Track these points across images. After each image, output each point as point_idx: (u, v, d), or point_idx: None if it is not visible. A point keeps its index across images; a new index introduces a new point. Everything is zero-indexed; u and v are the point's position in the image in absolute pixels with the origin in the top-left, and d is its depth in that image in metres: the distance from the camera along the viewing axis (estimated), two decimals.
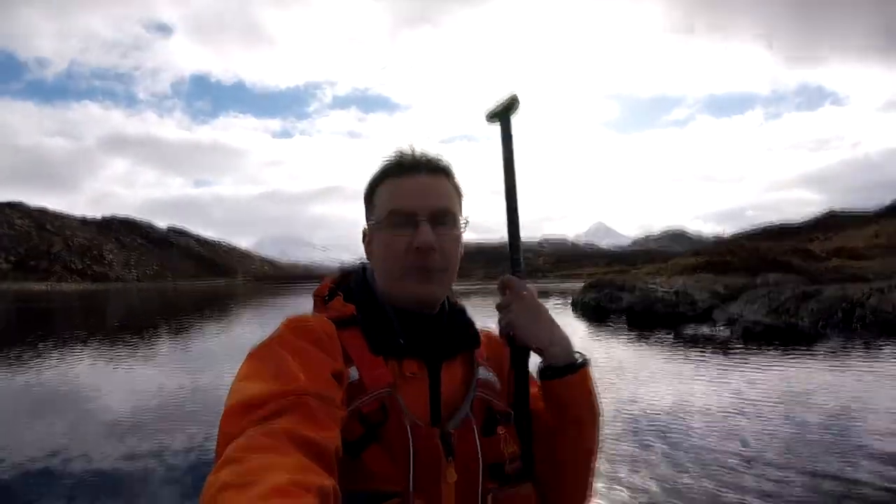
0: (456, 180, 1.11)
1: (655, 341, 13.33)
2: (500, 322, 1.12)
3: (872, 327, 12.32)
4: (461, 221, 1.09)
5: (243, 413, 0.76)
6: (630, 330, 16.06)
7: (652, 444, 5.46)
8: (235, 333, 18.45)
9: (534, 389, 1.13)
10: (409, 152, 1.08)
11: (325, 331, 0.96)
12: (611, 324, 17.93)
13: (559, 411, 1.07)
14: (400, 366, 1.00)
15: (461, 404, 1.02)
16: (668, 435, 5.76)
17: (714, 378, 8.80)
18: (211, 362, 11.24)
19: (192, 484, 4.68)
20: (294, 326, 0.95)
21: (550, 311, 1.10)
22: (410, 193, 1.04)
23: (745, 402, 7.17)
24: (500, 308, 1.12)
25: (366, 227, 1.13)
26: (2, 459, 5.22)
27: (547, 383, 1.07)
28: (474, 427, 0.99)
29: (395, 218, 1.04)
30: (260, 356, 0.89)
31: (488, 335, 1.18)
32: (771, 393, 7.65)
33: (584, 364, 1.07)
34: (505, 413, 1.05)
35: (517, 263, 1.16)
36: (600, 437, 1.11)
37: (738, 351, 11.24)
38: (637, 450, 5.25)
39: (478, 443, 0.98)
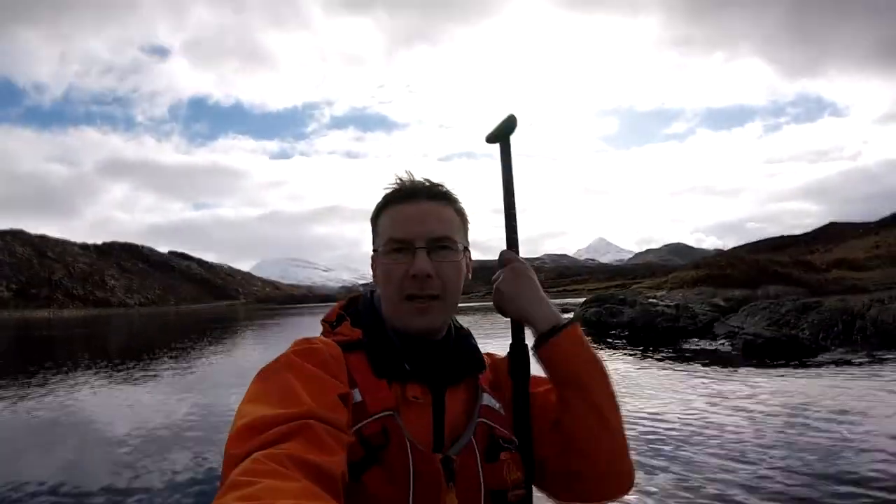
0: (459, 206, 1.11)
1: (656, 356, 13.37)
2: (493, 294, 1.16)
3: (873, 339, 12.28)
4: (461, 247, 1.08)
5: (249, 436, 0.76)
6: (631, 344, 16.11)
7: (658, 453, 5.49)
8: (236, 356, 18.45)
9: (542, 388, 1.14)
10: (409, 179, 1.09)
11: (332, 354, 0.97)
12: (612, 339, 17.94)
13: (559, 377, 1.07)
14: (403, 390, 1.00)
15: (464, 430, 1.02)
16: (672, 445, 5.79)
17: (715, 390, 8.84)
18: (211, 385, 11.23)
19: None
20: (301, 349, 0.95)
21: None
22: (409, 220, 1.05)
23: (747, 411, 7.24)
24: (494, 281, 1.15)
25: (373, 252, 1.13)
26: (8, 484, 5.24)
27: (541, 352, 1.07)
28: (477, 453, 0.99)
29: (393, 245, 1.05)
30: (266, 378, 0.89)
31: (493, 360, 1.18)
32: (773, 401, 7.72)
33: (571, 323, 1.08)
34: (508, 440, 1.04)
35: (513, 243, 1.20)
36: (615, 396, 1.09)
37: (739, 363, 11.24)
38: (642, 460, 5.27)
39: (480, 469, 0.98)
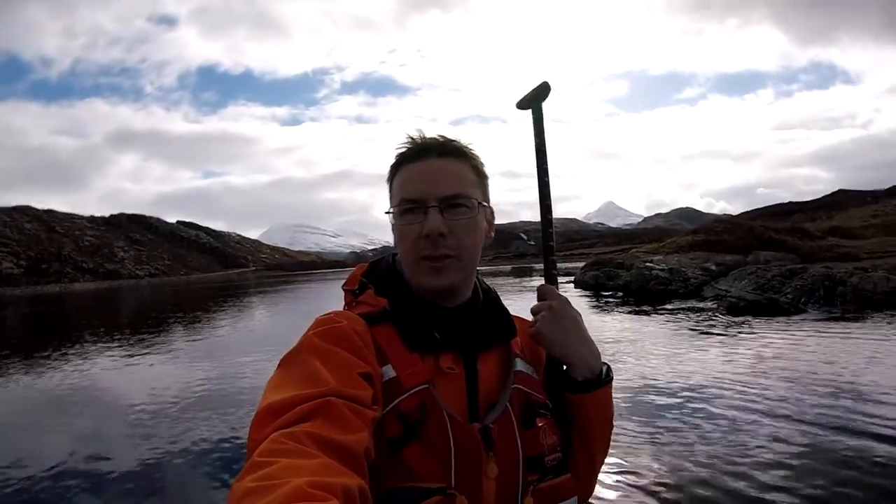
0: (475, 162, 1.07)
1: (645, 314, 14.02)
2: (531, 328, 1.12)
3: (852, 304, 12.54)
4: (476, 203, 1.04)
5: (270, 419, 0.76)
6: (623, 304, 16.90)
7: (648, 409, 5.70)
8: (247, 323, 18.75)
9: None
10: (420, 136, 1.06)
11: (356, 330, 0.95)
12: (606, 300, 18.73)
13: (573, 421, 1.07)
14: (436, 360, 0.98)
15: (499, 397, 1.00)
16: (661, 399, 6.08)
17: (699, 344, 9.26)
18: (224, 352, 11.38)
19: (219, 473, 4.74)
20: (322, 330, 0.93)
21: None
22: (419, 179, 1.02)
23: (728, 362, 7.70)
24: (532, 313, 1.12)
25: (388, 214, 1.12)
26: (28, 455, 5.35)
27: (568, 395, 1.07)
28: (513, 420, 0.97)
29: (405, 205, 1.02)
30: (288, 363, 0.89)
31: (524, 324, 1.14)
32: (753, 350, 8.29)
33: (604, 383, 1.07)
34: (543, 404, 1.03)
35: (552, 268, 1.18)
36: (608, 450, 1.13)
37: (721, 321, 11.58)
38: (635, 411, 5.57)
39: (517, 436, 0.96)
